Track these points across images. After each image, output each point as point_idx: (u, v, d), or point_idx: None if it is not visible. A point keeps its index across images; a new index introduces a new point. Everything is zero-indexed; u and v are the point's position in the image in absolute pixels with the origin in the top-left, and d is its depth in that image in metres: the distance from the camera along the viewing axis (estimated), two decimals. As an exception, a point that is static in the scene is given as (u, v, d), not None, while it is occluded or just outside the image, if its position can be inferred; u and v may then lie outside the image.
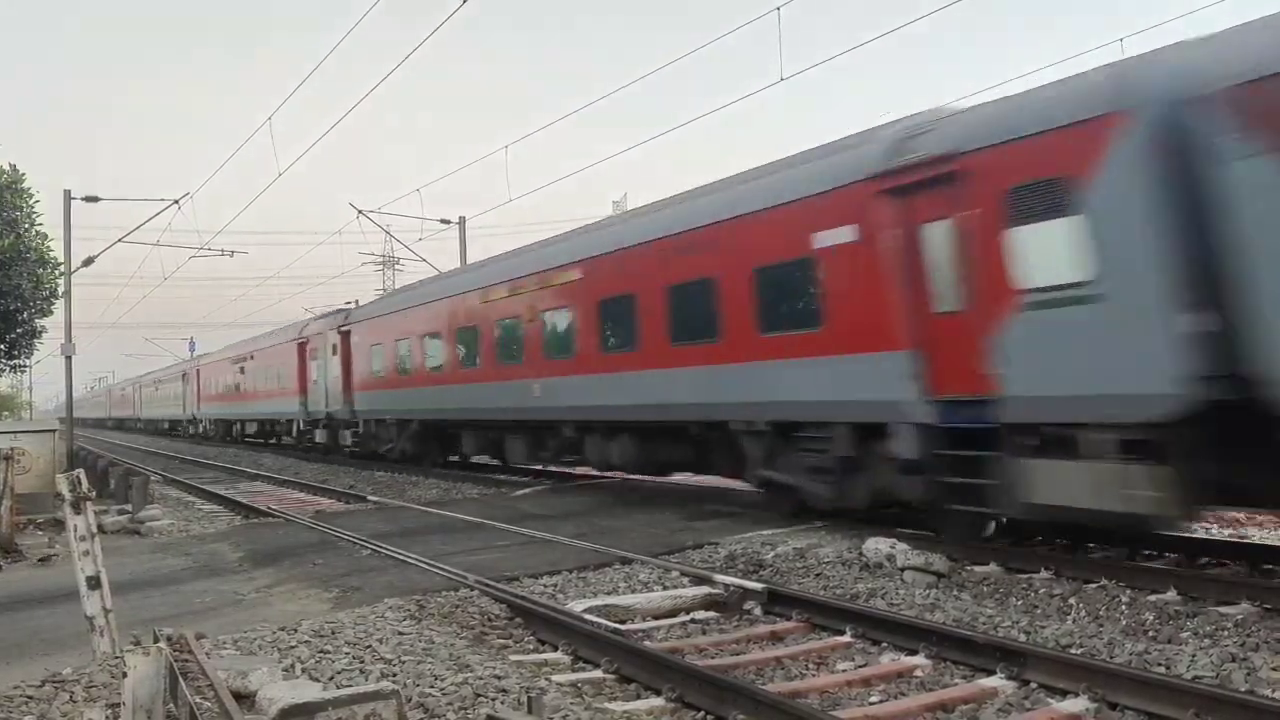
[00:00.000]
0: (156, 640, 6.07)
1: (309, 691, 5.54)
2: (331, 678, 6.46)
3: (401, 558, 10.93)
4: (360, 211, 31.55)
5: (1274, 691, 5.70)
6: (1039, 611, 8.05)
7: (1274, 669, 6.02)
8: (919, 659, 6.82)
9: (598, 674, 6.80)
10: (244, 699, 5.78)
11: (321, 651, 7.07)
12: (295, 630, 7.69)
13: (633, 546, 10.87)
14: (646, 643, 7.44)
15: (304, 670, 6.66)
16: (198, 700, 5.09)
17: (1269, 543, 10.34)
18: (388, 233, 39.77)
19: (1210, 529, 11.25)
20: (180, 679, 5.23)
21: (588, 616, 7.88)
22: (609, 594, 8.91)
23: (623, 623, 8.03)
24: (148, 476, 19.75)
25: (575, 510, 14.71)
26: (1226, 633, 7.10)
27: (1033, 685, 6.15)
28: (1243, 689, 5.74)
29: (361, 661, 6.81)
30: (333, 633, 7.61)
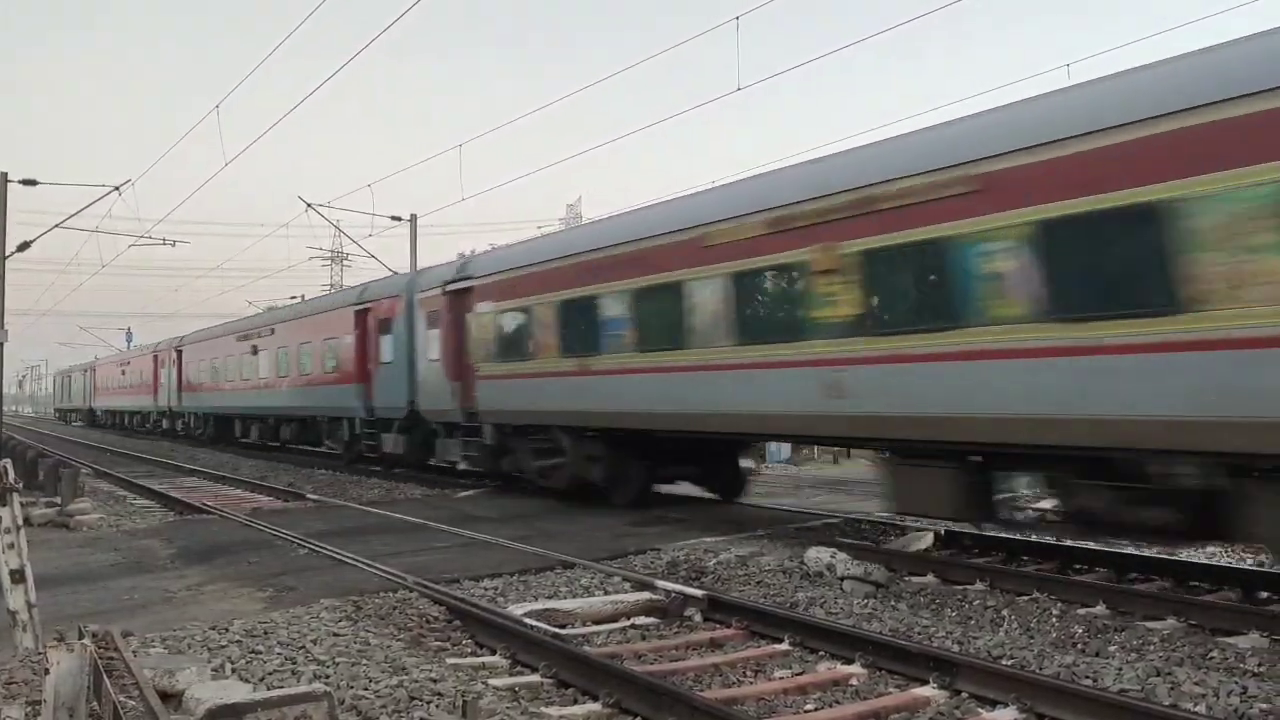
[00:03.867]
0: (81, 636, 5.90)
1: (238, 692, 5.44)
2: (262, 678, 6.35)
3: (339, 557, 10.78)
4: (309, 205, 31.13)
5: (1196, 705, 5.85)
6: (973, 622, 8.18)
7: (1196, 684, 6.16)
8: (855, 668, 6.89)
9: (535, 678, 6.76)
10: (171, 698, 5.65)
11: (253, 652, 6.95)
12: (226, 629, 7.55)
13: (575, 551, 10.84)
14: (586, 647, 7.42)
15: (234, 670, 6.53)
16: (122, 699, 4.97)
17: (1196, 560, 10.60)
18: (337, 228, 39.39)
19: (1141, 546, 11.51)
20: (105, 677, 5.10)
21: (527, 620, 7.84)
22: (550, 598, 8.87)
23: (563, 627, 8.01)
24: (78, 469, 19.26)
25: (519, 513, 14.63)
26: (1152, 647, 7.26)
27: (964, 695, 6.24)
28: (1166, 703, 5.87)
29: (294, 662, 6.70)
30: (265, 633, 7.48)
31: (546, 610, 8.25)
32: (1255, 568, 10.12)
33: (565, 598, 8.89)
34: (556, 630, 7.79)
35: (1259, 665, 6.77)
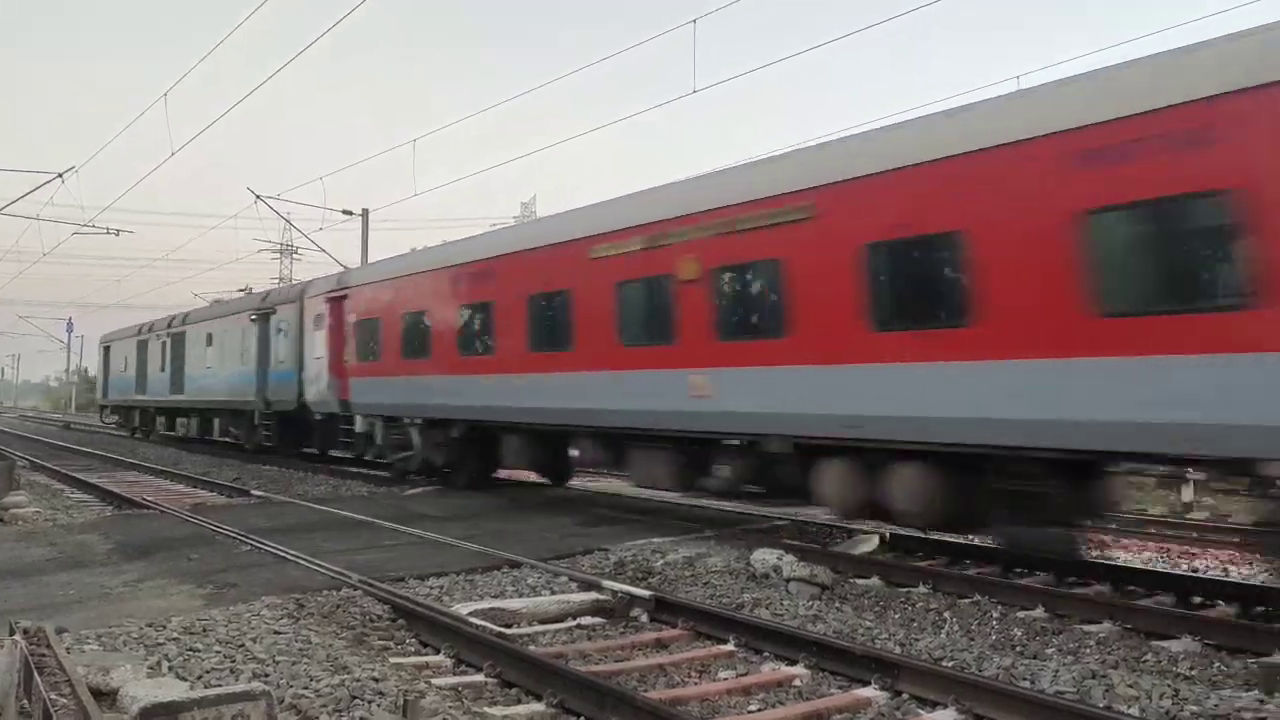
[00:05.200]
0: (12, 633, 5.78)
1: (174, 690, 5.34)
2: (200, 677, 6.24)
3: (282, 554, 10.62)
4: (259, 197, 30.63)
5: (1129, 707, 5.97)
6: (915, 625, 8.28)
7: (1130, 686, 6.29)
8: (798, 669, 6.94)
9: (479, 678, 6.73)
10: (104, 696, 5.54)
11: (191, 650, 6.82)
12: (164, 627, 7.41)
13: (523, 550, 10.79)
14: (531, 647, 7.39)
15: (171, 668, 6.41)
16: (53, 697, 4.85)
17: (1132, 565, 10.85)
18: (287, 221, 38.65)
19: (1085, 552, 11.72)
20: (36, 674, 4.98)
21: (472, 619, 7.79)
22: (495, 597, 8.83)
23: (508, 626, 7.97)
24: (14, 461, 18.78)
25: (467, 512, 14.53)
26: (1089, 650, 7.41)
27: (905, 696, 6.31)
28: (1101, 704, 6.00)
29: (233, 661, 6.59)
30: (204, 630, 7.35)
31: (492, 610, 8.21)
32: (1189, 573, 10.37)
33: (511, 597, 8.85)
34: (501, 630, 7.76)
35: (1191, 668, 6.94)
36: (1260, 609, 8.52)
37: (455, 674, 6.90)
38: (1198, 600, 8.90)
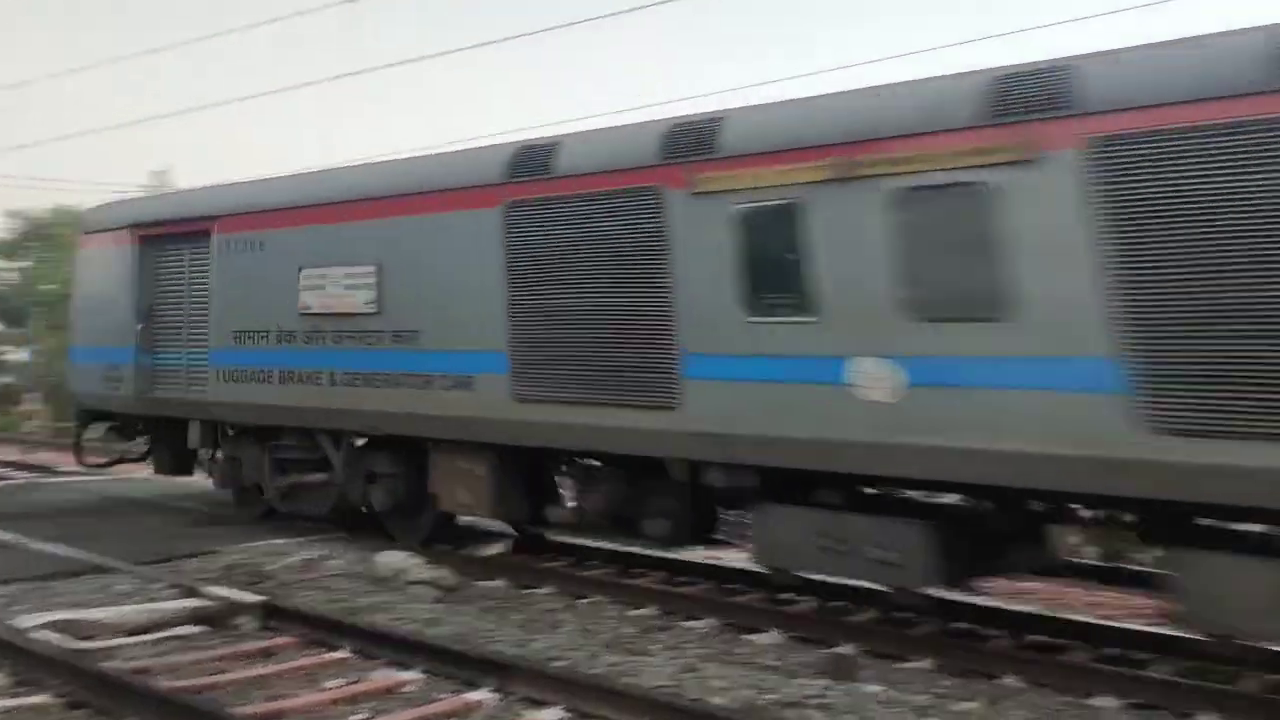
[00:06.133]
0: None
1: None
2: None
3: None
4: None
5: (716, 698, 6.40)
6: (535, 625, 8.39)
7: (720, 678, 6.76)
8: (412, 674, 6.79)
9: (43, 699, 5.97)
10: None
11: None
12: None
13: (115, 552, 9.71)
14: (109, 662, 6.63)
15: None
16: None
17: (736, 565, 11.72)
18: None
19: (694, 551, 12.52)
20: None
21: (38, 634, 6.87)
22: (75, 607, 7.87)
23: (88, 639, 7.12)
24: None
25: (53, 509, 12.87)
26: (690, 645, 7.88)
27: (515, 697, 6.37)
28: (693, 696, 6.38)
29: None
30: None
31: (68, 621, 7.31)
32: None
33: (95, 606, 7.93)
34: (77, 645, 6.91)
35: (775, 659, 7.56)
36: (838, 603, 9.50)
37: (12, 696, 6.04)
38: (785, 596, 9.78)
